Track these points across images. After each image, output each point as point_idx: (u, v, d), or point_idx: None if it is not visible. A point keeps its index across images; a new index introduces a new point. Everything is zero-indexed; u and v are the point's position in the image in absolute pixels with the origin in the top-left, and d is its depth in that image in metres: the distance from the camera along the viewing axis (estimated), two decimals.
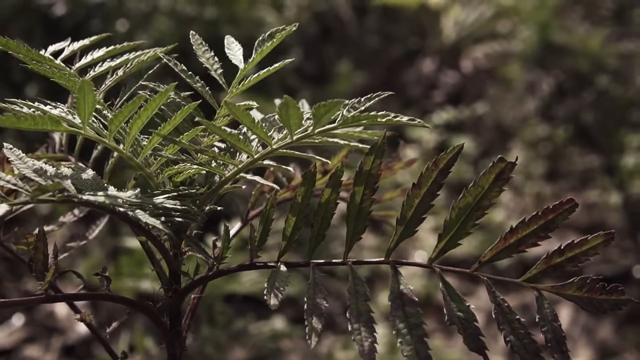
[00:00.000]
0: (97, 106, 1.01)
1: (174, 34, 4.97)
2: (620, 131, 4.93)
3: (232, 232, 1.15)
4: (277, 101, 1.14)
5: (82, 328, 3.71)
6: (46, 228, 0.88)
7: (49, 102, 0.98)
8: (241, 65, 1.14)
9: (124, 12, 4.95)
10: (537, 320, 0.98)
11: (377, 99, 0.98)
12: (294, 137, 0.97)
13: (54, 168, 0.91)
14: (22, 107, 0.95)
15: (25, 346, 3.66)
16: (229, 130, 0.98)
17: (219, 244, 1.09)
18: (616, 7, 5.49)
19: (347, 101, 0.97)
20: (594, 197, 4.71)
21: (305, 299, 0.96)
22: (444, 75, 5.79)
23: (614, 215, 4.57)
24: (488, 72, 5.68)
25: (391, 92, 1.01)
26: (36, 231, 0.95)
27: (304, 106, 1.31)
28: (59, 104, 1.00)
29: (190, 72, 1.11)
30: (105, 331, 1.11)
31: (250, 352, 3.61)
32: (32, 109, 0.95)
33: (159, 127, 0.99)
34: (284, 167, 1.05)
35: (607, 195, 4.66)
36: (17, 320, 3.75)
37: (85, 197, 0.82)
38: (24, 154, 0.94)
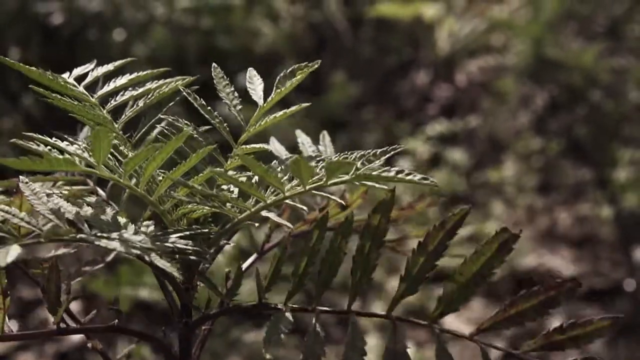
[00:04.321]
0: (115, 141, 1.02)
1: (171, 43, 4.99)
2: (612, 145, 4.96)
3: (245, 265, 1.18)
4: (298, 132, 1.15)
5: (75, 335, 3.71)
6: (60, 252, 0.88)
7: (66, 136, 0.99)
8: (261, 102, 1.15)
9: (121, 22, 4.96)
10: None
11: (392, 152, 0.99)
12: (307, 187, 0.98)
13: (73, 208, 0.91)
14: (38, 145, 0.96)
15: (18, 353, 3.66)
16: (242, 179, 1.00)
17: (232, 276, 1.11)
18: (610, 22, 5.52)
19: (360, 154, 0.99)
20: (586, 210, 4.74)
21: (304, 348, 0.98)
22: (438, 88, 5.82)
23: (605, 228, 4.59)
24: (482, 85, 5.70)
25: (402, 147, 1.02)
26: (50, 255, 0.95)
27: (325, 139, 1.31)
28: (75, 138, 1.01)
29: (209, 108, 1.12)
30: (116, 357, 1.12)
31: None
32: (48, 147, 0.96)
33: (176, 162, 1.01)
34: (298, 206, 1.06)
35: (599, 209, 4.68)
36: (11, 326, 3.74)
37: (98, 242, 0.84)
38: (39, 187, 0.95)
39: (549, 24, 5.34)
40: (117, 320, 1.10)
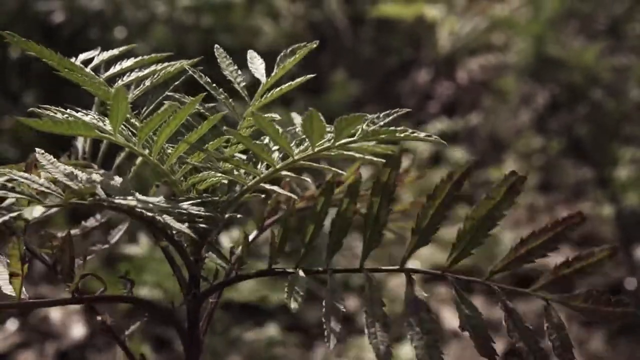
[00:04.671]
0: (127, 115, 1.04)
1: (171, 42, 4.99)
2: (613, 144, 4.96)
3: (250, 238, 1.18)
4: (294, 115, 1.18)
5: (76, 333, 3.71)
6: (72, 231, 0.91)
7: (80, 109, 1.01)
8: (263, 79, 1.17)
9: (122, 20, 4.97)
10: (545, 328, 1.01)
11: (395, 115, 1.02)
12: (315, 149, 1.00)
13: (84, 173, 0.93)
14: (55, 113, 0.97)
15: (19, 351, 3.66)
16: (253, 140, 1.01)
17: (235, 250, 1.13)
18: (611, 21, 5.53)
19: (368, 116, 1.00)
20: (587, 209, 4.74)
21: (323, 304, 0.99)
22: (439, 86, 5.82)
23: (606, 227, 4.60)
24: (483, 84, 5.71)
25: (409, 109, 1.05)
26: (63, 234, 0.98)
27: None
28: (89, 111, 1.03)
29: (214, 85, 1.14)
30: (124, 334, 1.13)
31: (246, 359, 3.62)
32: (65, 115, 0.97)
33: (183, 137, 1.02)
34: (300, 177, 1.08)
35: (600, 208, 4.68)
36: (11, 324, 3.75)
37: (117, 201, 0.84)
38: (55, 159, 0.96)
39: (550, 22, 5.34)
40: (128, 290, 1.12)
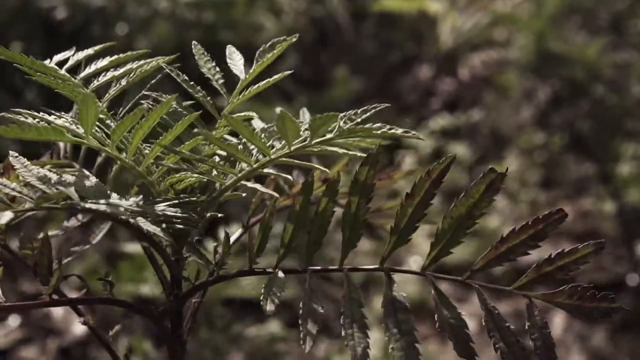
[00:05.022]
0: (101, 116, 1.03)
1: (173, 38, 5.00)
2: (615, 140, 4.95)
3: (232, 239, 1.18)
4: (277, 110, 1.17)
5: (78, 330, 3.72)
6: (50, 233, 0.90)
7: (53, 112, 1.00)
8: (242, 76, 1.16)
9: (124, 17, 4.97)
10: (526, 327, 1.00)
11: (373, 111, 1.01)
12: (292, 148, 1.00)
13: (58, 176, 0.93)
14: (26, 118, 0.97)
15: (21, 347, 3.67)
16: (227, 141, 1.01)
17: (219, 249, 1.12)
18: (613, 17, 5.51)
19: (342, 114, 1.00)
20: (589, 205, 4.73)
21: (300, 305, 0.98)
22: (441, 82, 5.81)
23: (608, 223, 4.59)
24: (485, 80, 5.70)
25: (387, 104, 1.04)
26: (41, 236, 0.97)
27: (305, 114, 1.32)
28: (63, 113, 1.02)
29: (192, 82, 1.14)
30: (108, 334, 1.13)
31: (247, 356, 3.63)
32: (37, 119, 0.97)
33: (160, 136, 1.01)
34: (283, 175, 1.07)
35: (602, 204, 4.68)
36: (13, 321, 3.76)
37: (87, 206, 0.84)
38: (28, 162, 0.96)
39: (552, 18, 5.33)
40: (107, 291, 1.11)
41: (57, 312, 3.81)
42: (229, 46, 1.22)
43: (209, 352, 3.49)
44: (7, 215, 0.85)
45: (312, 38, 5.89)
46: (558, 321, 3.85)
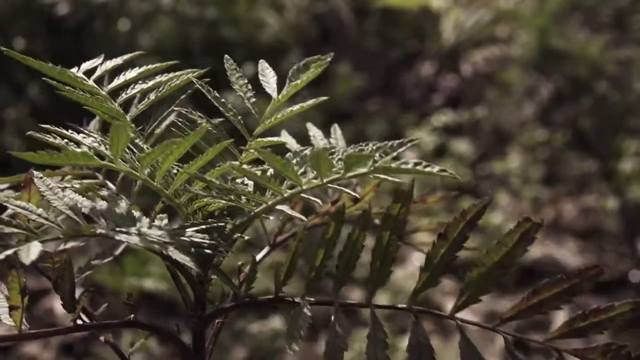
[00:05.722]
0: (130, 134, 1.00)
1: (175, 34, 5.00)
2: (618, 137, 4.95)
3: (259, 257, 1.15)
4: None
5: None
6: (69, 245, 0.87)
7: (80, 129, 0.98)
8: (274, 95, 1.12)
9: (126, 12, 4.97)
10: None
11: (409, 144, 0.97)
12: (325, 180, 0.96)
13: (89, 203, 0.91)
14: (55, 138, 0.94)
15: (23, 343, 3.67)
16: (259, 172, 0.98)
17: (244, 269, 1.10)
18: (615, 13, 5.51)
19: (376, 146, 0.97)
20: (591, 202, 4.73)
21: (325, 342, 0.97)
22: (443, 79, 5.81)
23: (610, 220, 4.59)
24: (487, 76, 5.69)
25: (416, 140, 0.99)
26: (60, 249, 0.91)
27: (336, 132, 1.30)
28: (90, 130, 1.00)
29: (223, 100, 1.10)
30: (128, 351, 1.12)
31: (250, 352, 3.62)
32: (65, 139, 0.95)
33: (190, 157, 0.99)
34: (312, 199, 1.05)
35: (604, 200, 4.67)
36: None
37: (118, 237, 0.83)
38: (52, 181, 0.94)
39: (554, 14, 5.33)
40: (132, 315, 1.10)
41: (60, 308, 3.80)
42: (261, 61, 1.17)
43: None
44: (36, 248, 0.81)
45: (314, 34, 5.88)
46: (560, 317, 3.84)
